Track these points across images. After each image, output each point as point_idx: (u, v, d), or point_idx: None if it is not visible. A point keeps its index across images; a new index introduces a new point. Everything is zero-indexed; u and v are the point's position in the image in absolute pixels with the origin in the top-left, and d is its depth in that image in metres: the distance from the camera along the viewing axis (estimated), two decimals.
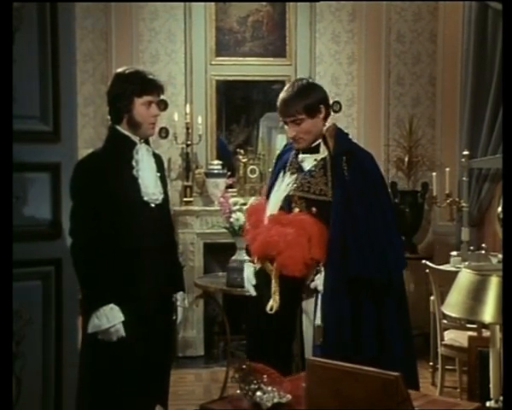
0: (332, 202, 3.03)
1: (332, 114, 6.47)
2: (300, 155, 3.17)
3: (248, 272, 3.17)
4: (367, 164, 3.12)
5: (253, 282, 3.13)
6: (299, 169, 3.16)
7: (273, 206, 3.11)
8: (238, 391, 2.32)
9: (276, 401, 2.25)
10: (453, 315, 2.39)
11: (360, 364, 2.08)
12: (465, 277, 2.27)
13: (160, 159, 3.37)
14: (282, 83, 6.54)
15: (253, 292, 3.14)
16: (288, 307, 3.06)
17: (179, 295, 3.35)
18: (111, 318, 3.01)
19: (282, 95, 3.14)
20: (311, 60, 6.55)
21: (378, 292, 2.99)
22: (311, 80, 3.25)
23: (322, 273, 2.99)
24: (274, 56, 6.51)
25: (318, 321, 2.97)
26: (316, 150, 3.14)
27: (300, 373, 2.32)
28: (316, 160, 3.13)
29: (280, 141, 6.66)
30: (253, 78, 6.52)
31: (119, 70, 3.26)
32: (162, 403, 3.32)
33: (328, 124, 3.19)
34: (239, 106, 6.73)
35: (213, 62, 6.42)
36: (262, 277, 3.11)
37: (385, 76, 6.59)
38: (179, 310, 3.35)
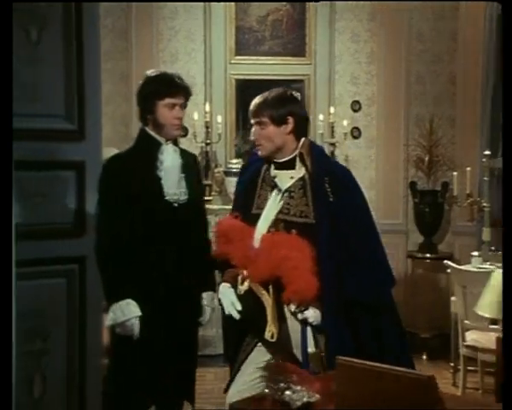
0: (317, 226, 2.86)
1: (352, 113, 6.60)
2: (273, 171, 3.00)
3: (230, 295, 2.94)
4: (348, 182, 2.99)
5: (239, 307, 2.90)
6: (275, 187, 2.98)
7: (264, 226, 2.92)
8: (266, 390, 2.32)
9: (305, 400, 2.24)
10: (486, 316, 2.38)
11: None
12: (498, 278, 2.26)
13: (192, 158, 3.39)
14: (302, 82, 6.56)
15: (236, 316, 2.90)
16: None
17: (207, 295, 3.33)
18: (126, 312, 3.07)
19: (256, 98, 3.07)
20: (331, 59, 6.54)
21: (371, 311, 2.89)
22: (290, 92, 3.08)
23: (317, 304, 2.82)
24: (293, 55, 6.50)
25: (312, 348, 2.83)
26: (290, 166, 2.97)
27: (330, 372, 2.31)
28: (292, 177, 2.95)
29: None
30: (272, 77, 6.51)
31: (148, 72, 3.30)
32: (189, 400, 3.36)
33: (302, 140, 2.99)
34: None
35: (233, 61, 6.42)
36: (249, 301, 2.90)
37: (405, 75, 6.57)
38: (206, 310, 3.34)
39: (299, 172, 2.96)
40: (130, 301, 3.09)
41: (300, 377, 2.28)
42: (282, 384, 2.26)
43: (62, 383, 3.28)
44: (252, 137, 3.02)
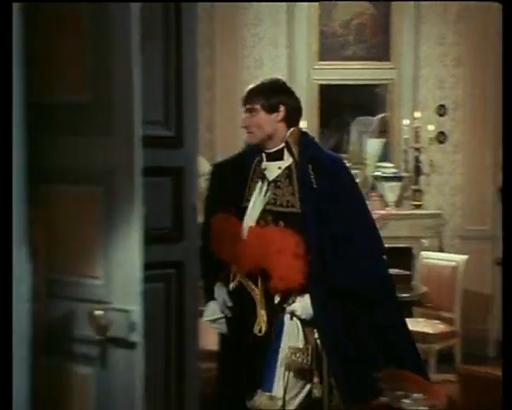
0: (303, 215, 2.83)
1: (437, 117, 6.48)
2: (264, 163, 2.99)
3: (222, 294, 3.00)
4: (335, 169, 2.94)
5: (229, 303, 2.96)
6: (264, 178, 2.97)
7: (251, 218, 2.92)
8: (384, 398, 2.29)
9: (424, 408, 2.20)
10: None
11: None
12: None
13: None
14: (386, 86, 6.49)
15: (228, 314, 2.96)
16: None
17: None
18: (213, 312, 3.15)
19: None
20: (416, 62, 6.45)
21: (366, 305, 2.81)
22: (283, 81, 3.05)
23: (305, 297, 2.80)
24: (377, 60, 6.46)
25: (301, 342, 2.79)
26: (279, 157, 2.95)
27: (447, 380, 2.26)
28: (280, 168, 2.94)
29: (371, 145, 6.58)
30: (355, 82, 6.47)
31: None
32: None
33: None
34: (330, 110, 6.68)
35: (316, 66, 6.41)
36: (241, 297, 2.93)
37: (492, 77, 6.41)
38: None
39: (287, 161, 2.95)
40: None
41: (418, 384, 2.24)
42: (399, 392, 2.22)
43: (161, 385, 3.31)
44: (242, 124, 3.01)
